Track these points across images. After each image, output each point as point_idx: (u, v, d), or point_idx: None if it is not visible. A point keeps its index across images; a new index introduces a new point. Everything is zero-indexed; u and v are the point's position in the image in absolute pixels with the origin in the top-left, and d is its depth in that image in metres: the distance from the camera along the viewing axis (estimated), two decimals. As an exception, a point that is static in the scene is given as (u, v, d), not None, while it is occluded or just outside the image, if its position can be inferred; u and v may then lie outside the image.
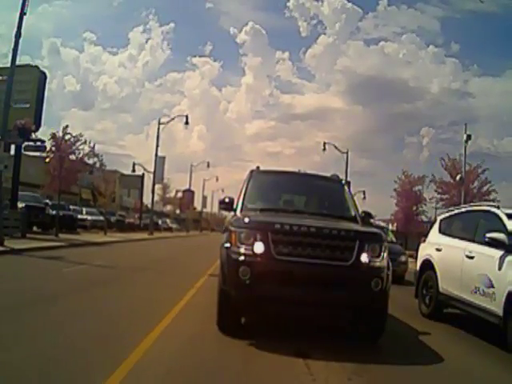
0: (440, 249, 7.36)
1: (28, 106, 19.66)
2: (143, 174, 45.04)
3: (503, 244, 5.62)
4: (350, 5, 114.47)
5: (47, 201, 23.25)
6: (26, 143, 18.14)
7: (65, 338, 4.42)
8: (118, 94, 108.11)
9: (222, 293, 4.94)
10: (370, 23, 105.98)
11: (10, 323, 4.83)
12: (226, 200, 6.07)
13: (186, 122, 35.83)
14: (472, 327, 6.50)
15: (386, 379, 4.12)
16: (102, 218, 29.28)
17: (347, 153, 34.84)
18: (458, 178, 22.62)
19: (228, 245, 4.85)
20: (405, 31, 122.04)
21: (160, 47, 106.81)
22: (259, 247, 4.64)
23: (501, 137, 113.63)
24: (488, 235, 5.84)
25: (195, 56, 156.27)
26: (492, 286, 5.61)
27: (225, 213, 8.89)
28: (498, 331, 5.50)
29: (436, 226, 8.10)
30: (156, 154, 36.87)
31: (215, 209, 70.20)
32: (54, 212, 20.26)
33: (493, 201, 20.23)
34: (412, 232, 28.76)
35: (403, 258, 12.95)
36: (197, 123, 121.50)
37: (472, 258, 6.24)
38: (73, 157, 20.28)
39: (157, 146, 36.25)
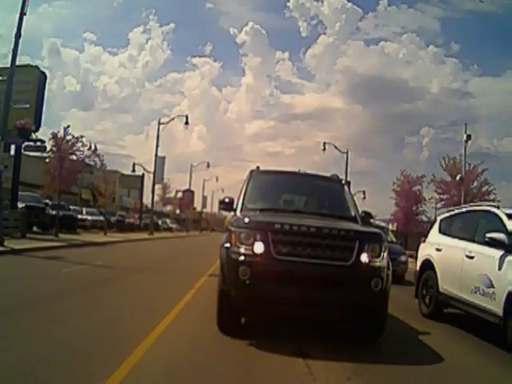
0: (440, 249, 7.36)
1: (28, 106, 19.64)
2: (143, 174, 45.10)
3: (503, 244, 5.62)
4: (350, 5, 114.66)
5: (47, 201, 23.24)
6: (26, 143, 18.16)
7: (65, 338, 4.42)
8: (118, 94, 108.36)
9: (221, 293, 4.94)
10: (370, 23, 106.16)
11: (9, 323, 4.83)
12: (226, 200, 6.07)
13: (186, 122, 35.87)
14: (472, 327, 6.51)
15: (385, 379, 4.12)
16: (101, 218, 29.28)
17: (347, 153, 34.92)
18: (458, 177, 22.64)
19: (228, 245, 4.85)
20: (405, 31, 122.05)
21: (160, 47, 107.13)
22: (259, 247, 4.63)
23: (501, 137, 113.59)
24: (488, 235, 5.84)
25: (195, 56, 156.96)
26: (492, 286, 5.61)
27: (225, 213, 8.88)
28: (497, 331, 5.50)
29: (436, 226, 8.10)
30: (156, 154, 36.92)
31: (215, 209, 70.21)
32: (53, 212, 20.25)
33: (493, 201, 20.24)
34: (412, 232, 28.78)
35: (403, 258, 12.95)
36: (197, 123, 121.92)
37: (472, 257, 6.24)
38: (73, 157, 20.30)
39: (157, 146, 36.33)
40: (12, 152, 17.19)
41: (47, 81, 21.45)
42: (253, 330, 5.30)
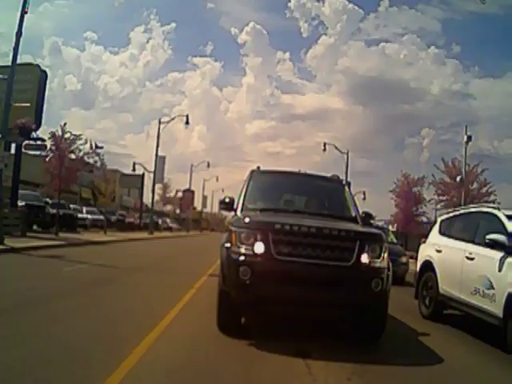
0: (440, 250, 7.36)
1: (29, 104, 19.63)
2: (143, 174, 45.05)
3: (503, 245, 5.62)
4: (351, 5, 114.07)
5: (47, 200, 23.28)
6: (27, 142, 18.14)
7: (65, 338, 4.41)
8: (119, 93, 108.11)
9: (222, 293, 4.94)
10: (371, 24, 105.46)
11: (9, 322, 4.83)
12: (226, 200, 6.06)
13: (187, 122, 35.94)
14: (472, 328, 6.50)
15: (385, 379, 4.12)
16: (102, 217, 29.28)
17: (347, 153, 34.95)
18: (458, 179, 22.64)
19: (228, 245, 4.85)
20: (406, 32, 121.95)
21: (161, 47, 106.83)
22: (259, 247, 4.63)
23: (501, 138, 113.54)
24: (488, 237, 5.84)
25: (196, 56, 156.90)
26: (492, 288, 5.61)
27: (225, 213, 8.88)
28: (497, 332, 5.50)
29: (436, 227, 8.10)
30: (156, 154, 36.96)
31: (215, 209, 70.28)
32: (54, 211, 20.24)
33: (493, 202, 20.24)
34: (412, 233, 28.79)
35: (404, 259, 12.93)
36: (197, 123, 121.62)
37: (472, 259, 6.24)
38: (72, 156, 20.30)
39: (157, 145, 36.36)
40: (12, 151, 17.24)
41: (48, 80, 21.51)
42: (253, 330, 5.30)
